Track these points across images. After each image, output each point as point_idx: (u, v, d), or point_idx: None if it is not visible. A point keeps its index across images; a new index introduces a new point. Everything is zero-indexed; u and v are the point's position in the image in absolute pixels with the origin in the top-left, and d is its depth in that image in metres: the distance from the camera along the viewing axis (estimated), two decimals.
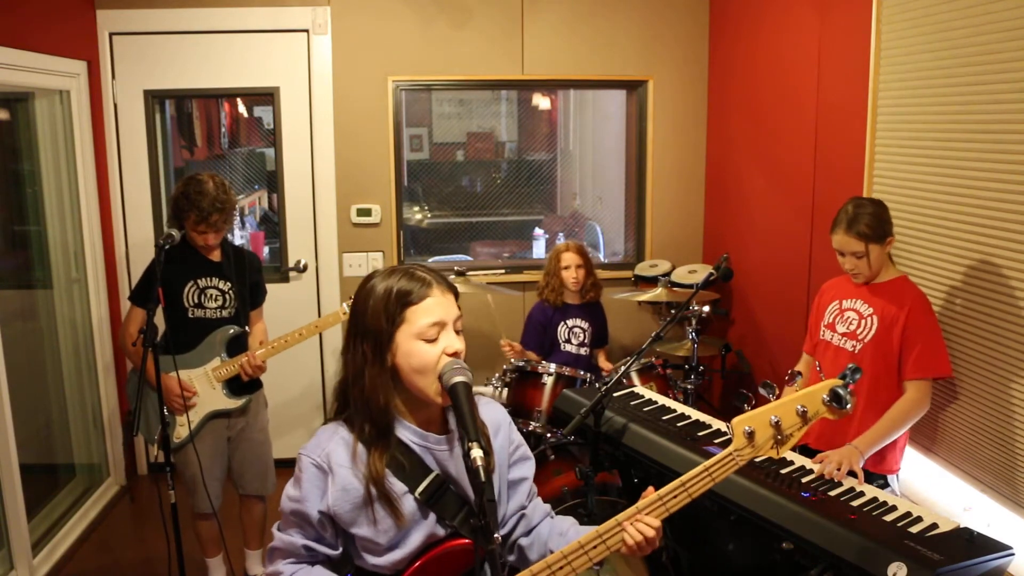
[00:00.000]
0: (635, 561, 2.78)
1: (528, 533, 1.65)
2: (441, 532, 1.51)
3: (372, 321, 1.48)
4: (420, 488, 1.49)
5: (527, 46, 4.23)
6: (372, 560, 1.49)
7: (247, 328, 2.98)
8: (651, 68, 4.33)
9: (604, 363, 3.80)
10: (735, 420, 1.47)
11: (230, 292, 2.93)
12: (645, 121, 4.39)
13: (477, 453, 1.35)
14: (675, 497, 1.47)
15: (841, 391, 1.42)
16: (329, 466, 1.47)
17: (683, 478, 1.48)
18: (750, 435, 1.46)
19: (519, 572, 1.53)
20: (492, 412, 1.64)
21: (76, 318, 3.84)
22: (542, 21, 4.21)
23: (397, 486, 1.48)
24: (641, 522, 1.47)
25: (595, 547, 1.48)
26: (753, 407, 1.56)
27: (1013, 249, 2.24)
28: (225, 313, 2.93)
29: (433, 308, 1.47)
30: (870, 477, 2.26)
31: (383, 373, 1.48)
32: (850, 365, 1.48)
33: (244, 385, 2.96)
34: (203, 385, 2.89)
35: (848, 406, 1.43)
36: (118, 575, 3.37)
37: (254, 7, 4.02)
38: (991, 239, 2.33)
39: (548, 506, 1.70)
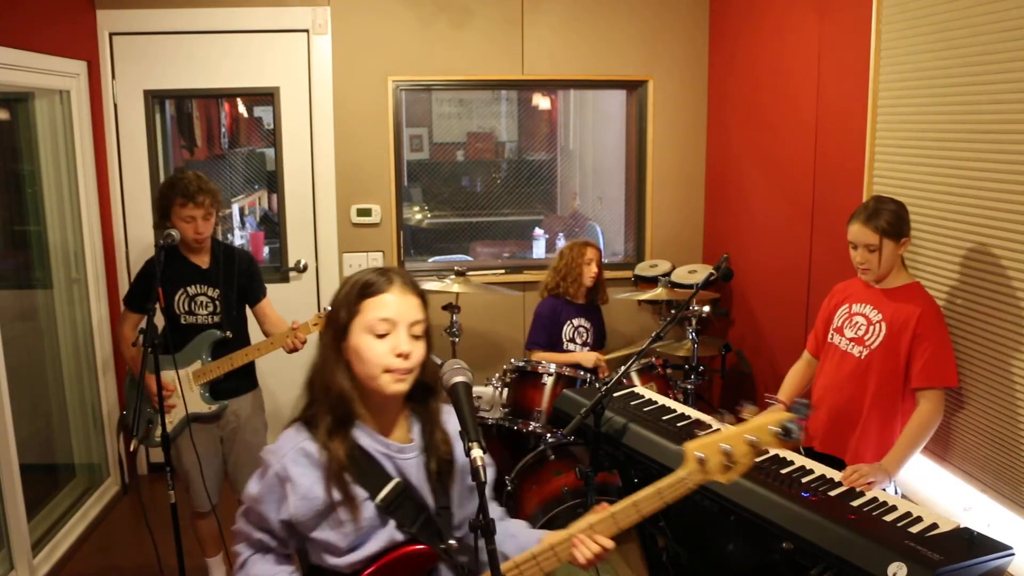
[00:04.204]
0: (635, 561, 2.78)
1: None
2: (400, 538, 1.51)
3: (336, 311, 1.51)
4: (380, 495, 1.49)
5: (527, 46, 4.23)
6: (331, 560, 1.49)
7: (229, 334, 2.97)
8: (651, 68, 4.33)
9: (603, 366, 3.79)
10: (687, 446, 1.51)
11: (218, 299, 2.94)
12: (645, 121, 4.39)
13: (477, 453, 1.35)
14: (626, 515, 1.50)
15: (791, 426, 1.45)
16: (288, 475, 1.46)
17: (633, 497, 1.50)
18: (701, 461, 1.49)
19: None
20: (455, 421, 1.65)
21: (76, 318, 3.84)
22: (542, 21, 4.21)
23: (358, 492, 1.48)
24: (594, 542, 1.49)
25: (547, 559, 1.49)
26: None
27: (1013, 249, 2.24)
28: (216, 319, 2.95)
29: (387, 304, 1.47)
30: None
31: (339, 362, 1.50)
32: (802, 400, 1.50)
33: (225, 389, 2.95)
34: (183, 387, 2.89)
35: (795, 437, 1.45)
36: (118, 575, 3.37)
37: (254, 7, 4.02)
38: (991, 239, 2.33)
39: (502, 509, 1.70)
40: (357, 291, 1.49)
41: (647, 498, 1.50)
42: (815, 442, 2.52)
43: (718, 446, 1.49)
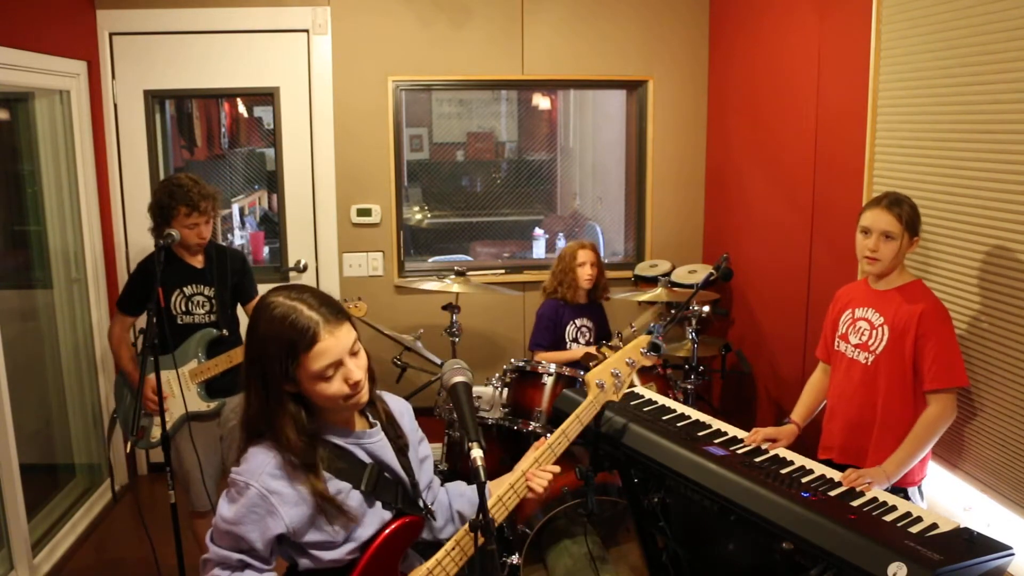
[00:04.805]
0: (635, 561, 2.78)
1: (432, 502, 1.79)
2: (388, 515, 1.60)
3: (266, 362, 1.48)
4: (363, 482, 1.56)
5: (527, 46, 4.23)
6: (328, 556, 1.53)
7: (225, 332, 2.97)
8: (651, 68, 4.33)
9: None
10: (588, 376, 1.95)
11: (214, 298, 2.96)
12: (645, 121, 4.39)
13: (477, 453, 1.39)
14: (559, 443, 1.85)
15: (657, 342, 1.98)
16: (271, 490, 1.47)
17: (562, 427, 1.87)
18: (601, 386, 1.91)
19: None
20: (395, 403, 1.77)
21: (76, 318, 3.84)
22: (542, 21, 4.21)
23: (341, 486, 1.54)
24: (544, 471, 1.78)
25: (510, 497, 1.74)
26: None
27: (1014, 249, 2.25)
28: (213, 318, 2.96)
29: (327, 352, 1.47)
30: (891, 490, 2.19)
31: (283, 407, 1.49)
32: (651, 324, 2.07)
33: (221, 387, 2.96)
34: (178, 386, 2.89)
35: (662, 352, 2.02)
36: (118, 575, 3.37)
37: (254, 7, 4.02)
38: (992, 240, 2.33)
39: (437, 478, 1.88)
40: (287, 350, 1.46)
41: (569, 424, 1.89)
42: (833, 454, 2.47)
43: (609, 371, 1.93)
